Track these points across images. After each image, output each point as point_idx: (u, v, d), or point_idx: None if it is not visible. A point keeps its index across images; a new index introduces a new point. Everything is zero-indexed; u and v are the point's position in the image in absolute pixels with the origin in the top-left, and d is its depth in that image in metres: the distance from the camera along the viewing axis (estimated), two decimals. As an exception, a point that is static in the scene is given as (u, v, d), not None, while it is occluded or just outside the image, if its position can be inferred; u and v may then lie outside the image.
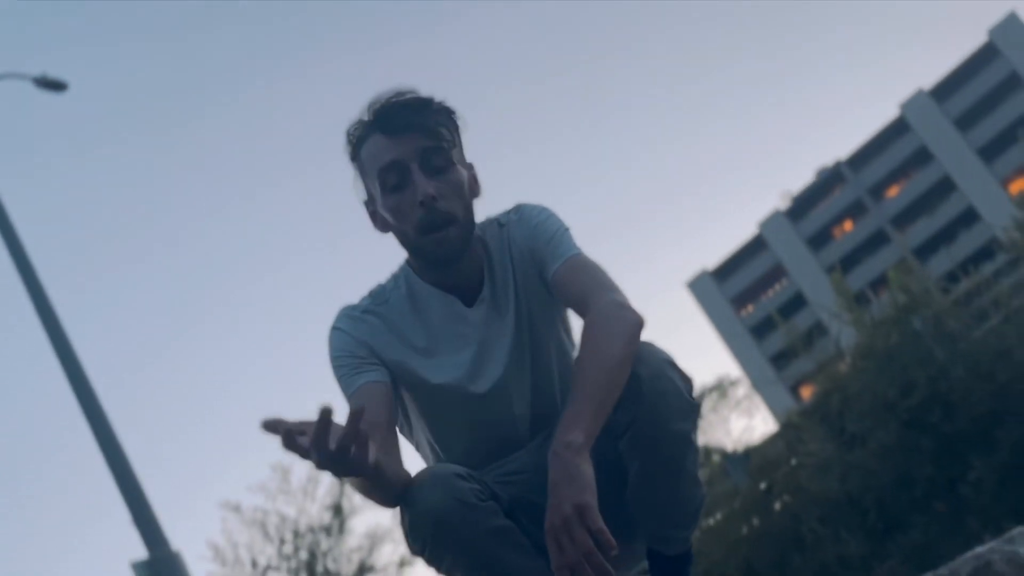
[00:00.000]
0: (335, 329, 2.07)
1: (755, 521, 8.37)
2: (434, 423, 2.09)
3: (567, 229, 2.08)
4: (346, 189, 2.14)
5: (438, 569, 1.97)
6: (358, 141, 2.06)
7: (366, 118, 2.04)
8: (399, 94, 2.02)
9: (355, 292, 2.15)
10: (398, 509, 1.95)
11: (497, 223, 2.13)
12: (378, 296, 2.11)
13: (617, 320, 1.88)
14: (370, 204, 2.10)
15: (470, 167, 2.11)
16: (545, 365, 2.11)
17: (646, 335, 1.95)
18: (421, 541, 1.91)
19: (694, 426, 1.98)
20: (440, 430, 2.08)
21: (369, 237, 2.16)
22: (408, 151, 1.98)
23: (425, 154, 1.98)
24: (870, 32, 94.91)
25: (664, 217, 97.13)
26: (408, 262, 2.13)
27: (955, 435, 7.40)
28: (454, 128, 2.05)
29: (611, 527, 2.06)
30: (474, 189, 2.09)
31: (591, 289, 1.95)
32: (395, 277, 2.14)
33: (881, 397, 7.88)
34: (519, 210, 2.14)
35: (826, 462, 8.02)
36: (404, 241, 2.05)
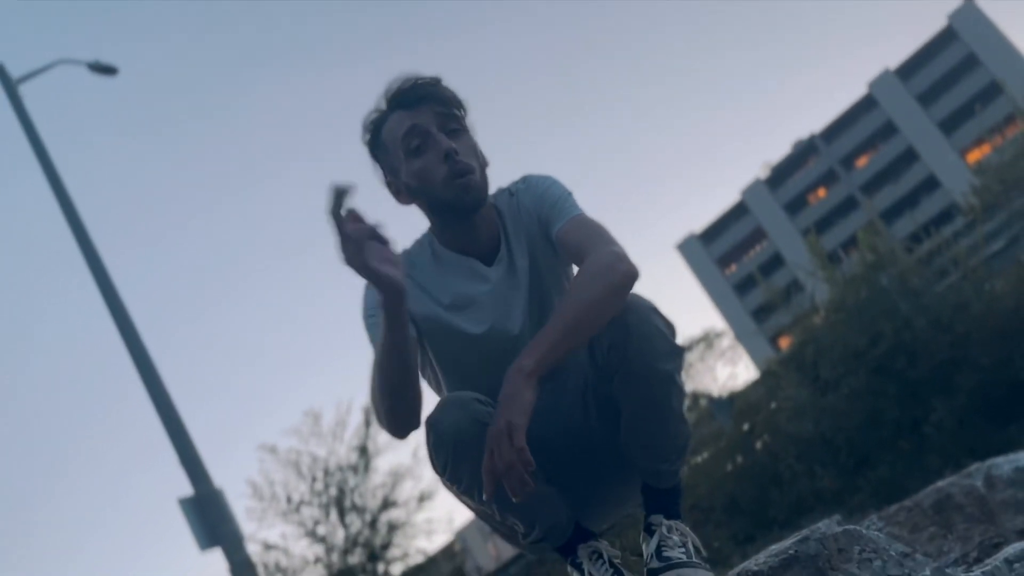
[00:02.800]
0: (368, 287, 2.04)
1: (738, 459, 8.37)
2: (462, 368, 2.07)
3: (570, 193, 2.08)
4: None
5: (458, 489, 1.98)
6: (376, 125, 2.05)
7: (383, 105, 2.04)
8: (410, 78, 2.02)
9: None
10: (424, 435, 1.96)
11: (508, 192, 2.13)
12: (404, 259, 2.07)
13: (606, 267, 1.86)
14: (393, 180, 2.07)
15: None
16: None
17: (642, 293, 1.94)
18: (443, 459, 1.93)
19: (678, 367, 1.98)
20: (465, 373, 2.05)
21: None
22: (427, 117, 1.98)
23: (442, 119, 1.99)
24: (841, 16, 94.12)
25: (655, 186, 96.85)
26: (430, 230, 2.12)
27: (918, 381, 7.38)
28: (462, 105, 2.06)
29: (608, 465, 2.06)
30: (483, 158, 2.09)
31: (591, 242, 1.94)
32: (419, 243, 2.13)
33: (851, 347, 7.86)
34: (526, 180, 2.13)
35: (802, 406, 8.01)
36: (430, 200, 2.03)
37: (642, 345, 1.87)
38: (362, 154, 2.10)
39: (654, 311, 1.93)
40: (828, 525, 2.07)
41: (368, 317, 2.02)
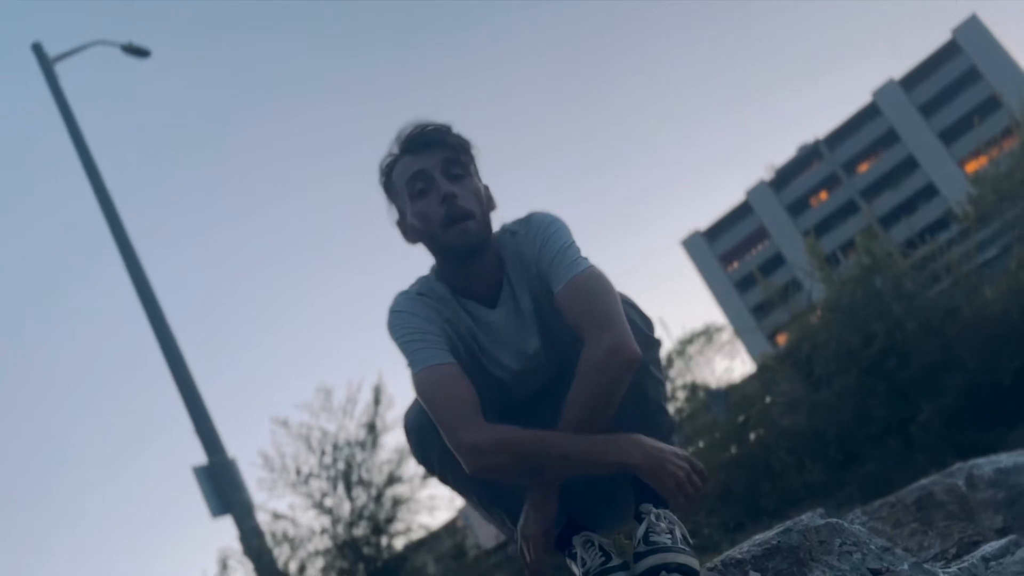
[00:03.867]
0: (399, 312, 2.01)
1: (732, 450, 8.35)
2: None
3: (571, 244, 2.00)
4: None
5: (446, 483, 2.00)
6: (389, 168, 2.05)
7: (395, 150, 2.03)
8: (420, 125, 2.01)
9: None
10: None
11: (509, 232, 2.08)
12: (425, 287, 2.06)
13: (603, 365, 1.83)
14: (401, 220, 2.07)
15: (486, 187, 2.09)
16: (565, 350, 2.04)
17: (639, 289, 1.93)
18: (414, 450, 2.03)
19: (653, 358, 1.99)
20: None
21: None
22: (431, 162, 1.98)
23: (445, 164, 1.98)
24: (848, 26, 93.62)
25: (663, 184, 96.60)
26: (433, 271, 2.10)
27: (907, 381, 7.35)
28: (469, 151, 2.05)
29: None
30: (490, 203, 2.07)
31: (586, 324, 1.87)
32: (426, 279, 2.11)
33: (845, 346, 7.83)
34: (528, 222, 2.07)
35: (795, 401, 7.99)
36: (431, 242, 2.02)
37: None
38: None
39: (631, 306, 1.93)
40: (811, 518, 2.06)
41: (407, 340, 1.97)
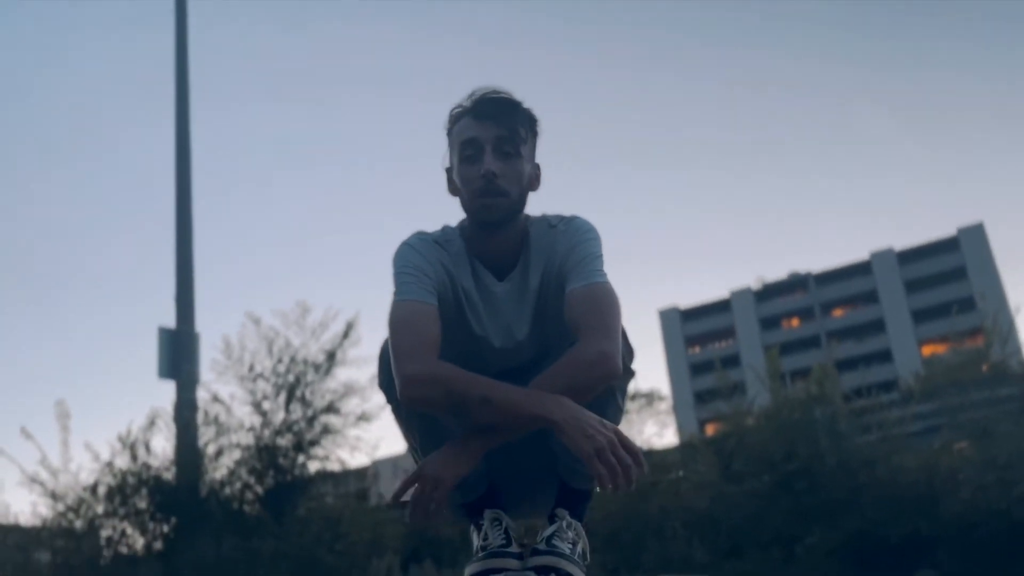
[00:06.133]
0: (409, 245, 1.98)
1: (628, 506, 8.31)
2: (449, 347, 1.92)
3: (600, 256, 1.96)
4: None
5: (397, 417, 1.94)
6: (454, 120, 2.00)
7: (465, 104, 1.99)
8: (494, 91, 1.97)
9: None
10: (378, 359, 1.94)
11: (548, 223, 2.02)
12: (445, 236, 2.02)
13: (588, 363, 1.78)
14: (449, 171, 2.02)
15: (536, 166, 2.04)
16: (549, 342, 2.01)
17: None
18: (381, 382, 1.95)
19: (622, 386, 1.93)
20: (450, 354, 1.90)
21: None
22: (486, 134, 1.93)
23: (498, 140, 1.93)
24: (872, 183, 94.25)
25: (665, 248, 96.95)
26: (460, 226, 2.04)
27: (810, 506, 7.34)
28: (529, 130, 1.99)
29: (535, 453, 1.98)
30: (533, 183, 2.02)
31: (586, 326, 1.83)
32: (452, 230, 2.05)
33: (767, 454, 7.84)
34: (571, 222, 2.02)
35: (706, 483, 7.95)
36: (464, 204, 1.98)
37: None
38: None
39: (622, 333, 1.89)
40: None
41: (402, 270, 1.94)
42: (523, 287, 1.99)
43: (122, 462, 9.32)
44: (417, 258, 1.94)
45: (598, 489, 1.72)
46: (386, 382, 1.92)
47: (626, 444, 1.66)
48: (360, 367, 10.37)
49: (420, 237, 2.00)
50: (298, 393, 9.66)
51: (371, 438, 13.16)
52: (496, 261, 2.00)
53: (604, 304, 1.87)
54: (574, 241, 1.97)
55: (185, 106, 10.92)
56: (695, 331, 66.50)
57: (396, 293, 1.91)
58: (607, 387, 1.84)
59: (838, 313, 63.37)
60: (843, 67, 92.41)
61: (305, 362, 9.75)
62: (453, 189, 2.02)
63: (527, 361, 1.98)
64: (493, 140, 1.92)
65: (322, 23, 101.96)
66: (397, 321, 1.85)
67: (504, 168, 1.92)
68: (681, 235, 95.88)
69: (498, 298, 1.99)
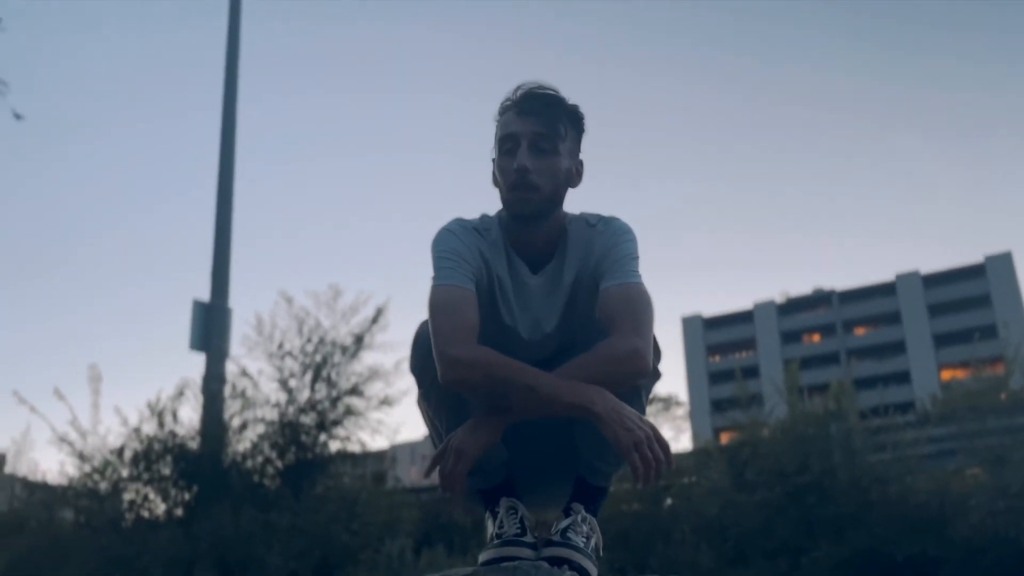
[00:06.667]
0: (449, 231, 1.98)
1: (635, 506, 8.30)
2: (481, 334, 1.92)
3: (637, 257, 1.97)
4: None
5: (427, 400, 1.95)
6: (501, 113, 2.01)
7: (512, 98, 1.99)
8: (540, 86, 1.97)
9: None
10: (412, 343, 1.97)
11: (587, 221, 2.02)
12: (484, 224, 2.02)
13: (618, 358, 1.79)
14: (493, 161, 2.03)
15: (579, 163, 2.03)
16: (575, 338, 2.01)
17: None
18: (414, 364, 1.96)
19: (647, 386, 1.93)
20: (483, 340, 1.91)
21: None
22: (525, 130, 1.93)
23: (536, 136, 1.93)
24: (902, 204, 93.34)
25: (695, 255, 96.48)
26: (501, 216, 2.05)
27: (819, 519, 7.30)
28: (572, 127, 1.98)
29: (556, 448, 1.99)
30: (572, 179, 2.01)
31: (619, 323, 1.83)
32: (492, 219, 2.05)
33: (780, 465, 7.79)
34: (610, 223, 2.01)
35: (718, 490, 7.92)
36: (501, 195, 1.99)
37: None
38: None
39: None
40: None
41: (441, 255, 1.94)
42: (556, 282, 1.99)
43: (149, 428, 9.43)
44: (456, 244, 1.94)
45: (637, 484, 1.73)
46: (418, 366, 1.92)
47: (660, 439, 1.70)
48: (386, 352, 10.43)
49: (459, 223, 2.01)
50: (324, 373, 9.72)
51: (392, 422, 13.26)
52: (531, 254, 2.00)
53: (638, 303, 1.87)
54: (611, 241, 1.97)
55: (233, 84, 11.01)
56: (716, 340, 66.18)
57: (435, 277, 1.91)
58: (635, 387, 1.85)
59: (859, 331, 62.84)
60: (881, 84, 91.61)
61: (333, 344, 9.81)
62: (493, 179, 2.03)
63: (551, 355, 1.99)
64: (531, 136, 1.92)
65: (373, 13, 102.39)
66: (438, 305, 1.86)
67: (538, 164, 1.92)
68: (709, 245, 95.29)
69: (530, 290, 1.99)
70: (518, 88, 1.99)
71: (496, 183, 2.02)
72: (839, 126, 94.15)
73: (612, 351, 1.78)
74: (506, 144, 1.95)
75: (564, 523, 1.90)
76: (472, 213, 2.08)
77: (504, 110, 2.00)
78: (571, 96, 2.00)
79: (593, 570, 1.85)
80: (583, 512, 1.92)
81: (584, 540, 1.88)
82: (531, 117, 1.94)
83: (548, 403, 1.72)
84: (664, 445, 1.70)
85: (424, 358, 1.89)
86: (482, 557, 1.88)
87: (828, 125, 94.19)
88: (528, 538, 1.88)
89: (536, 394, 1.72)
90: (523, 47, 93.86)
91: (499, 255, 1.99)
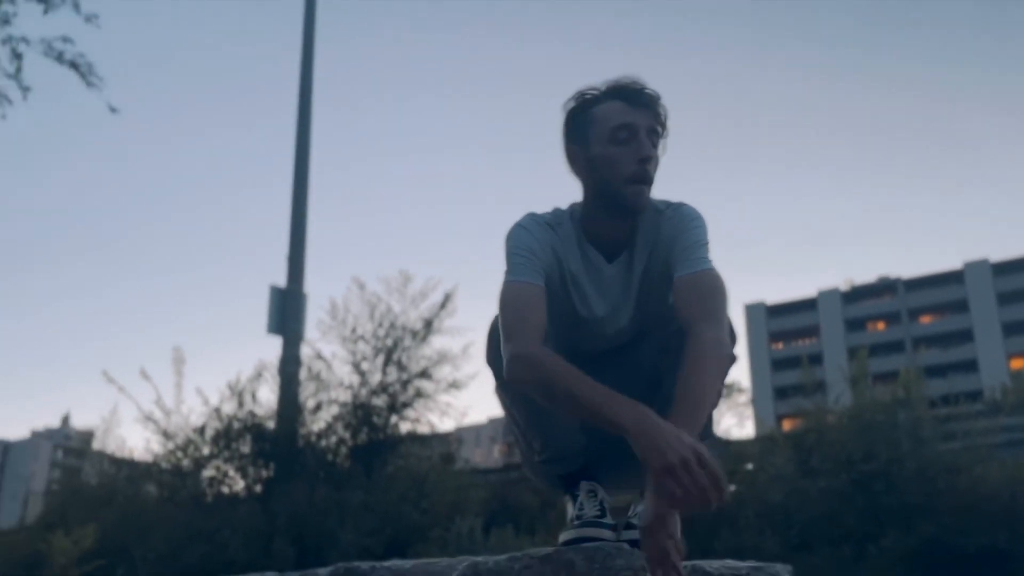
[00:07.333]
0: (522, 227, 1.96)
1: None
2: (553, 329, 1.92)
3: (706, 243, 1.94)
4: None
5: (504, 391, 1.95)
6: (592, 100, 1.97)
7: (602, 88, 1.97)
8: (639, 83, 1.95)
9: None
10: (490, 334, 1.98)
11: (656, 208, 1.99)
12: (556, 219, 2.00)
13: (715, 357, 1.74)
14: (578, 150, 1.97)
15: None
16: (647, 324, 2.02)
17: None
18: (490, 357, 1.96)
19: (725, 368, 1.89)
20: (554, 334, 1.91)
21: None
22: (642, 121, 1.91)
23: (650, 130, 1.92)
24: (971, 191, 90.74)
25: (759, 245, 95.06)
26: (572, 209, 2.02)
27: (886, 507, 7.16)
28: (664, 126, 1.98)
29: None
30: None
31: (699, 315, 1.80)
32: (563, 212, 2.03)
33: (846, 452, 7.66)
34: (679, 209, 1.99)
35: (783, 476, 7.83)
36: (602, 186, 1.94)
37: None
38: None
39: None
40: (782, 568, 1.98)
41: (516, 251, 1.92)
42: (629, 270, 1.99)
43: (229, 408, 9.64)
44: (529, 240, 1.93)
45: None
46: (494, 359, 1.93)
47: (705, 463, 1.50)
48: (454, 337, 10.50)
49: (533, 219, 1.99)
50: (395, 357, 9.83)
51: (460, 405, 13.35)
52: (606, 244, 1.98)
53: (717, 292, 1.85)
54: (681, 228, 1.94)
55: (309, 74, 11.13)
56: (780, 327, 65.26)
57: (508, 273, 1.91)
58: (726, 373, 1.82)
59: (925, 320, 61.44)
60: (951, 68, 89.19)
61: (404, 328, 9.91)
62: (581, 169, 1.98)
63: (624, 342, 1.99)
64: (646, 128, 1.91)
65: (450, 12, 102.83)
66: (507, 301, 1.86)
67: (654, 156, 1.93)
68: (774, 232, 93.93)
69: (607, 280, 1.99)
70: (615, 81, 1.96)
71: (580, 172, 1.98)
72: (907, 112, 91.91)
73: (713, 343, 1.75)
74: (622, 133, 1.91)
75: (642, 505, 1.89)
76: (536, 201, 2.06)
77: (596, 100, 1.96)
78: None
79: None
80: None
81: (664, 524, 1.86)
82: (644, 110, 1.92)
83: (589, 414, 1.67)
84: (713, 472, 1.49)
85: (495, 352, 1.89)
86: (562, 537, 1.89)
87: (896, 111, 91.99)
88: (607, 520, 1.88)
89: (576, 402, 1.67)
90: (595, 44, 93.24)
91: (572, 248, 1.98)
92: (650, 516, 1.55)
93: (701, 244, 1.93)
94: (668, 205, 2.00)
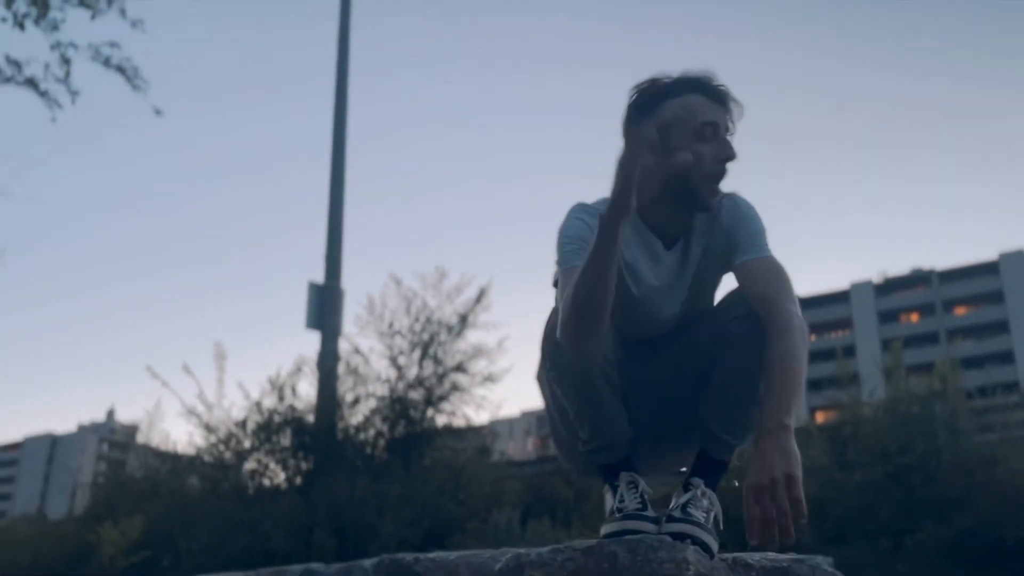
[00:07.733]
0: (573, 216, 1.96)
1: (735, 483, 8.20)
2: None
3: (766, 231, 1.96)
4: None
5: (551, 377, 1.94)
6: (668, 91, 1.93)
7: (682, 80, 1.94)
8: (716, 77, 1.95)
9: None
10: (549, 320, 1.93)
11: None
12: (604, 204, 1.93)
13: (801, 333, 1.78)
14: (651, 138, 1.91)
15: None
16: (699, 309, 2.01)
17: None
18: (544, 344, 1.92)
19: (807, 343, 1.89)
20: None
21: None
22: (723, 119, 1.91)
23: (727, 128, 1.92)
24: (1005, 181, 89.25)
25: (789, 237, 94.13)
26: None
27: (922, 500, 7.08)
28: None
29: (679, 420, 1.98)
30: None
31: (777, 294, 1.83)
32: None
33: (882, 445, 7.58)
34: (733, 198, 1.98)
35: (817, 468, 7.77)
36: (678, 178, 1.91)
37: (759, 329, 1.82)
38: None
39: None
40: (823, 559, 1.97)
41: (567, 241, 1.92)
42: (685, 257, 1.99)
43: (270, 402, 9.75)
44: (583, 229, 1.92)
45: (750, 541, 1.61)
46: (550, 349, 1.92)
47: (791, 490, 1.55)
48: (489, 331, 10.54)
49: (584, 208, 1.98)
50: (431, 351, 9.88)
51: (495, 398, 13.38)
52: (666, 231, 1.98)
53: (785, 277, 1.88)
54: (740, 217, 1.95)
55: (344, 72, 11.20)
56: (812, 319, 63.46)
57: (560, 261, 1.92)
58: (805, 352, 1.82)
59: (960, 311, 60.52)
60: (986, 57, 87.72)
61: (439, 323, 9.97)
62: (650, 156, 1.89)
63: (676, 327, 1.99)
64: (725, 127, 1.91)
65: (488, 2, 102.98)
66: (561, 287, 1.87)
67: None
68: (805, 224, 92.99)
69: (666, 266, 1.98)
70: (693, 73, 1.95)
71: (653, 157, 1.91)
72: (941, 101, 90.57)
73: (797, 322, 1.79)
74: (707, 129, 1.89)
75: (684, 498, 1.86)
76: (572, 196, 2.05)
77: (676, 90, 1.93)
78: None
79: (714, 545, 1.83)
80: (703, 487, 1.89)
81: (704, 515, 1.84)
82: (722, 108, 1.92)
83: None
84: (795, 497, 1.53)
85: (553, 340, 1.89)
86: (604, 530, 1.88)
87: (930, 100, 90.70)
88: (650, 512, 1.87)
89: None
90: (634, 34, 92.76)
91: (628, 235, 1.95)
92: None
93: (763, 232, 1.95)
94: (723, 195, 1.99)
